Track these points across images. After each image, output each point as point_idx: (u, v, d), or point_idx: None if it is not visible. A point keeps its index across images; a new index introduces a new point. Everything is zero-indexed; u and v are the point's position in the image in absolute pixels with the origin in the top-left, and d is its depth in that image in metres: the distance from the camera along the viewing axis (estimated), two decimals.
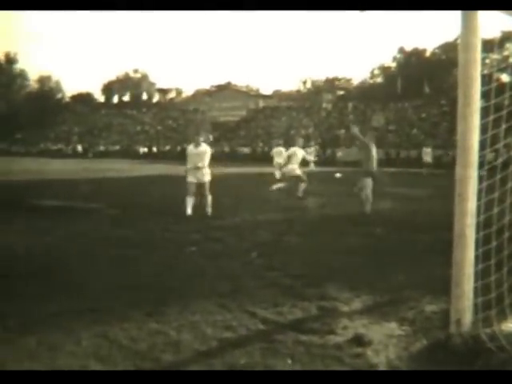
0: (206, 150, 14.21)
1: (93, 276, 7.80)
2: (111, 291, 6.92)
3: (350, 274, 7.83)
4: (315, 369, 4.58)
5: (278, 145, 33.82)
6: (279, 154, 31.74)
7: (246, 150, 63.71)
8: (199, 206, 14.06)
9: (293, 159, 19.06)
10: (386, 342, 5.18)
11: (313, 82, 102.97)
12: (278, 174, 28.37)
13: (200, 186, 13.94)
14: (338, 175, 30.77)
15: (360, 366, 4.64)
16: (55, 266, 8.39)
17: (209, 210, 13.97)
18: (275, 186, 18.78)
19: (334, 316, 5.94)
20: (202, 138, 14.90)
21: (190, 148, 14.43)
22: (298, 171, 18.97)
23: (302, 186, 18.90)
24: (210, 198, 14.01)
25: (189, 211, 13.75)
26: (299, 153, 19.15)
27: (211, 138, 68.58)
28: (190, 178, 13.99)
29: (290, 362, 4.75)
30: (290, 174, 18.85)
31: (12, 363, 4.68)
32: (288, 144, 28.67)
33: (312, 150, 40.20)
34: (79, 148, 76.45)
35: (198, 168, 13.91)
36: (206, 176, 14.04)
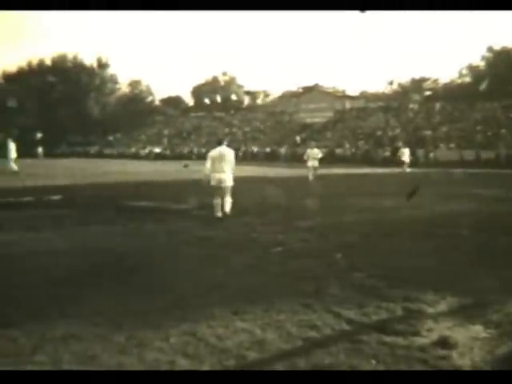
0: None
1: (181, 274, 8.00)
2: (199, 290, 7.08)
3: (435, 276, 7.74)
4: (399, 370, 4.58)
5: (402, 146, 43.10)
6: (404, 153, 39.72)
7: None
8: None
9: None
10: (471, 345, 5.12)
11: (399, 83, 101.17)
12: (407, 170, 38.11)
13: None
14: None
15: (444, 369, 4.61)
16: (145, 264, 8.65)
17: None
18: None
19: (418, 318, 5.90)
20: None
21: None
22: None
23: None
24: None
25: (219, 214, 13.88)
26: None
27: (298, 139, 68.57)
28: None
29: (374, 362, 4.76)
30: None
31: (103, 358, 4.88)
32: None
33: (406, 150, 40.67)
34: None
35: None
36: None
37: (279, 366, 4.67)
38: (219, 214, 13.81)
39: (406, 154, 39.85)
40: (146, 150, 79.81)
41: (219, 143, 14.50)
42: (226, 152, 14.09)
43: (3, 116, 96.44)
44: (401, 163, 39.29)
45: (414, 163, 41.87)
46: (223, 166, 13.86)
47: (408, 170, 38.35)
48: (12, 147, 35.54)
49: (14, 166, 34.29)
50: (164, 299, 6.63)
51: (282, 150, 65.20)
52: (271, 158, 61.94)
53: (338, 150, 59.86)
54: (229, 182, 13.92)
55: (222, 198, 13.89)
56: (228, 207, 13.88)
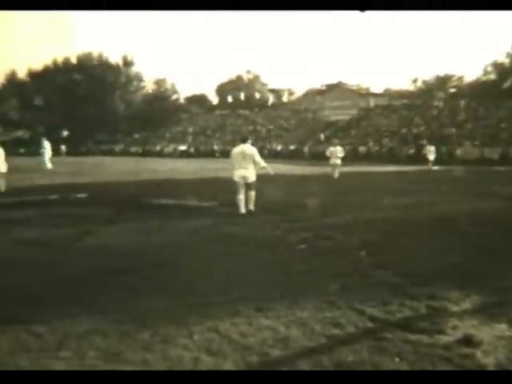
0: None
1: (205, 272, 8.03)
2: (222, 287, 7.11)
3: (460, 274, 7.70)
4: (423, 368, 4.57)
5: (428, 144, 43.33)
6: (431, 151, 39.88)
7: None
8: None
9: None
10: (495, 343, 5.09)
11: (424, 80, 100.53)
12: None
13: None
14: None
15: (469, 367, 4.59)
16: (169, 262, 8.70)
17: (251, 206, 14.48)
18: None
19: (443, 316, 5.88)
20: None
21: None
22: None
23: None
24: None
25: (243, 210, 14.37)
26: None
27: (322, 137, 68.38)
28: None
29: (397, 360, 4.75)
30: None
31: (127, 354, 4.92)
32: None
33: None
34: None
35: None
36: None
37: (302, 364, 4.68)
38: (243, 211, 14.26)
39: (431, 152, 39.74)
40: (171, 148, 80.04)
41: (243, 141, 15.09)
42: (247, 149, 14.66)
43: (30, 114, 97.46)
44: (426, 161, 39.21)
45: (438, 161, 41.65)
46: (245, 163, 14.44)
47: (434, 167, 38.24)
48: (47, 146, 36.62)
49: (48, 165, 35.26)
50: (187, 296, 6.67)
51: (306, 148, 65.08)
52: (295, 156, 61.88)
53: (362, 148, 59.68)
54: (251, 178, 14.44)
55: (246, 194, 14.34)
56: (252, 204, 14.38)
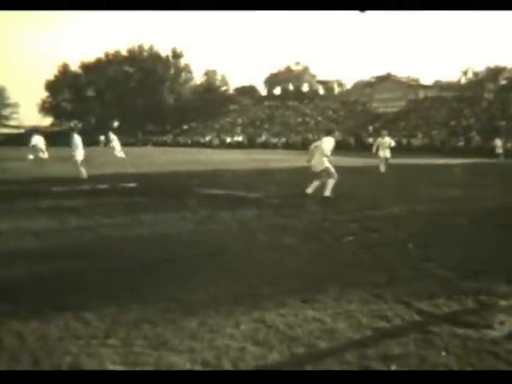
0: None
1: (252, 262, 8.07)
2: (269, 277, 7.13)
3: (508, 269, 7.61)
4: (470, 362, 4.54)
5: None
6: (497, 145, 40.04)
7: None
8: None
9: None
10: None
11: (474, 72, 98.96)
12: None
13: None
14: None
15: None
16: (217, 251, 8.76)
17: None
18: None
19: (491, 310, 5.82)
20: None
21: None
22: None
23: None
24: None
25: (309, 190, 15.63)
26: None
27: (371, 129, 67.93)
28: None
29: (444, 354, 4.72)
30: None
31: (174, 343, 4.99)
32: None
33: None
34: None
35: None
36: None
37: (348, 356, 4.68)
38: (306, 191, 15.58)
39: (499, 145, 39.95)
40: (220, 139, 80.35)
41: (328, 133, 17.03)
42: (324, 141, 15.95)
43: (82, 105, 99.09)
44: (496, 155, 39.43)
45: (489, 153, 41.27)
46: (316, 153, 15.74)
47: (502, 159, 38.28)
48: (114, 138, 40.20)
49: (118, 154, 38.62)
50: (235, 286, 6.71)
51: (354, 140, 64.80)
52: (343, 148, 61.57)
53: (411, 140, 59.14)
54: (317, 168, 15.63)
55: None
56: (328, 191, 15.41)
